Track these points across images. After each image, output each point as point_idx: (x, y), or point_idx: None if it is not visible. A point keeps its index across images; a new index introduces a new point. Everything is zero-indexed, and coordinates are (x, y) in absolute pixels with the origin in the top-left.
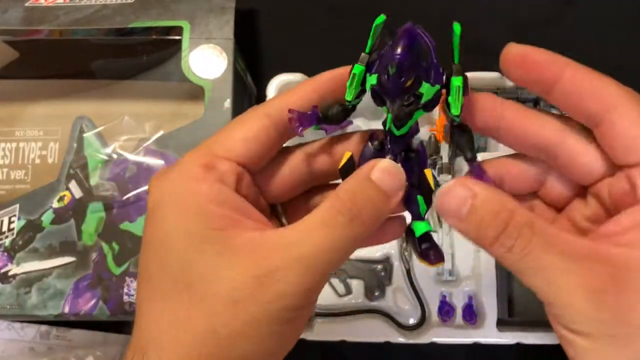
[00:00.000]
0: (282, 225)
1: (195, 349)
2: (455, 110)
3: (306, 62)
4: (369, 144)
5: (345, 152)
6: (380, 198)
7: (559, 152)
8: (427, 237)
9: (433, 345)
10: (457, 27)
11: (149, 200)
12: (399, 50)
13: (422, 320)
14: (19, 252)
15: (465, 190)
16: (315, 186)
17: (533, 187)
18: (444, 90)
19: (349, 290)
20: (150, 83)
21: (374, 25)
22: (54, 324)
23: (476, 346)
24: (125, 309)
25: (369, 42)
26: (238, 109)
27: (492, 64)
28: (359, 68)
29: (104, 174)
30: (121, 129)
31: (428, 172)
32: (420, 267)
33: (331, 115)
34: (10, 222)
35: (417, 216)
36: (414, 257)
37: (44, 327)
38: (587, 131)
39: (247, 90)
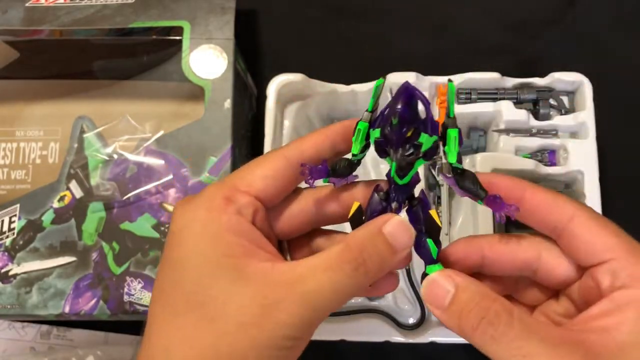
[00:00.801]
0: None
1: None
2: (451, 158)
3: (306, 62)
4: (375, 194)
5: (354, 202)
6: (388, 252)
7: (536, 267)
8: None
9: (433, 344)
10: (451, 86)
11: (172, 224)
12: (399, 105)
13: (422, 320)
14: (19, 251)
15: (447, 280)
16: (318, 228)
17: (508, 291)
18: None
19: None
20: (150, 83)
21: (375, 86)
22: (55, 323)
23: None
24: (125, 309)
25: (371, 101)
26: (238, 109)
27: (492, 64)
28: (363, 124)
29: (104, 173)
30: (121, 129)
31: (433, 212)
32: (419, 267)
33: (338, 169)
34: (10, 222)
35: (430, 260)
36: (413, 257)
37: (44, 327)
38: (595, 217)
39: (248, 91)
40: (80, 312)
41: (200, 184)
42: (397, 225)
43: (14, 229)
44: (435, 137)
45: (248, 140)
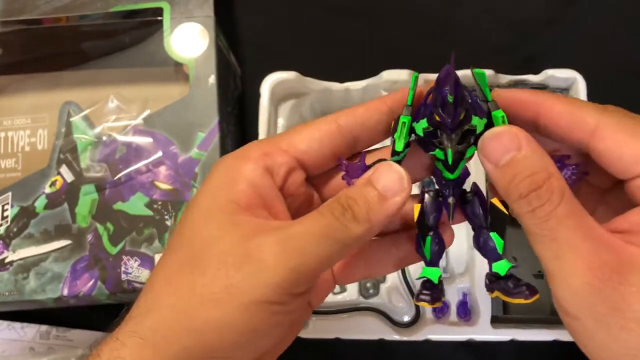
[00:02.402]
0: None
1: (172, 301)
2: None
3: (301, 60)
4: (426, 194)
5: (415, 205)
6: (375, 197)
7: (589, 140)
8: (510, 274)
9: (427, 342)
10: (476, 71)
11: None
12: (447, 87)
13: (417, 318)
14: (14, 238)
15: (512, 140)
16: None
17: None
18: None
19: (343, 288)
20: (135, 69)
21: (413, 76)
22: (55, 323)
23: (471, 343)
24: (124, 287)
25: (410, 94)
26: (223, 85)
27: (492, 64)
28: (406, 118)
29: (94, 155)
30: (108, 111)
31: (496, 201)
32: (414, 265)
33: None
34: (3, 210)
35: (496, 256)
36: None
37: (44, 327)
38: (622, 124)
39: (232, 69)
40: (78, 294)
41: (190, 160)
42: (382, 169)
43: (7, 216)
44: (485, 120)
45: (235, 118)
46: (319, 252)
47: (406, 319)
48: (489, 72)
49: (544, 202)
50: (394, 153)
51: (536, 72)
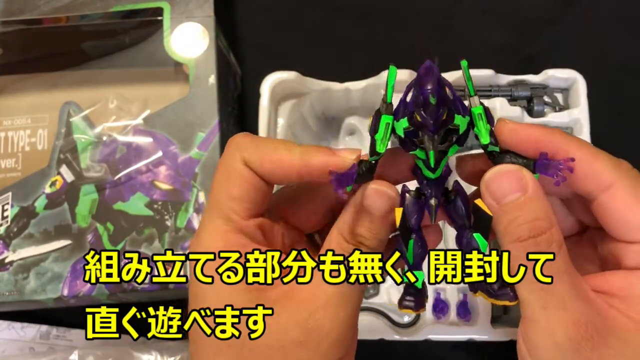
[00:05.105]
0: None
1: None
2: (484, 139)
3: (302, 60)
4: (406, 195)
5: (396, 209)
6: (375, 223)
7: (602, 201)
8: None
9: (427, 342)
10: (464, 63)
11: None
12: (429, 86)
13: (417, 318)
14: (14, 239)
15: (519, 181)
16: None
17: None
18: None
19: None
20: (135, 68)
21: (389, 75)
22: (55, 323)
23: (471, 343)
24: (123, 287)
25: (389, 91)
26: (223, 85)
27: (492, 64)
28: (388, 118)
29: (94, 155)
30: (108, 111)
31: (479, 202)
32: None
33: (362, 174)
34: (3, 210)
35: None
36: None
37: (44, 327)
38: (635, 187)
39: (232, 69)
40: (78, 293)
41: (190, 160)
42: (372, 194)
43: (7, 216)
44: (468, 118)
45: (235, 118)
46: (358, 291)
47: (406, 319)
48: (489, 72)
49: (541, 251)
50: (375, 153)
51: (536, 72)
